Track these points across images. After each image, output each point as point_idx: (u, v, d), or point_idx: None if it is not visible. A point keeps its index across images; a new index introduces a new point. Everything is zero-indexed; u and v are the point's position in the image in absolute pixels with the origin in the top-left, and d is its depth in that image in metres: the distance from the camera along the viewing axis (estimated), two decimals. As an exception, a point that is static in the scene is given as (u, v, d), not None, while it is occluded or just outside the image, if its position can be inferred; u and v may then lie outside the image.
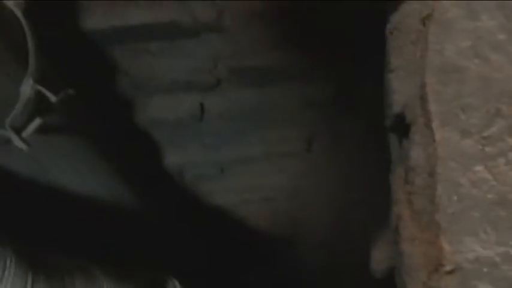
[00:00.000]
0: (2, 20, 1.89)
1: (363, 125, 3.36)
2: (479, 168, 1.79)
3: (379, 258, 2.83)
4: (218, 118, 3.42)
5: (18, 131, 1.96)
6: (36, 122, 1.97)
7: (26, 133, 1.96)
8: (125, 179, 3.00)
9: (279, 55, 3.04)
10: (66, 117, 2.27)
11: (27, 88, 1.95)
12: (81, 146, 2.55)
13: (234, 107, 3.36)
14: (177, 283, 2.91)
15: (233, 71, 3.05)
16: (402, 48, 2.04)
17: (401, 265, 2.39)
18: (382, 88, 2.28)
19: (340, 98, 3.41)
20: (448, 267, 1.84)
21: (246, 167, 3.96)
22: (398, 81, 2.11)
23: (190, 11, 2.63)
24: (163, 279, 2.86)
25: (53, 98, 1.98)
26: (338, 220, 4.03)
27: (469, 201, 1.81)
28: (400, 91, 2.09)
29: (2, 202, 2.17)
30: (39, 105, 2.01)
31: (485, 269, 1.79)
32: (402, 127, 2.12)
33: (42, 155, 2.27)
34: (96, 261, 2.44)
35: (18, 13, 1.99)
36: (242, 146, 3.74)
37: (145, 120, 3.32)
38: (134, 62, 2.89)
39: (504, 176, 1.69)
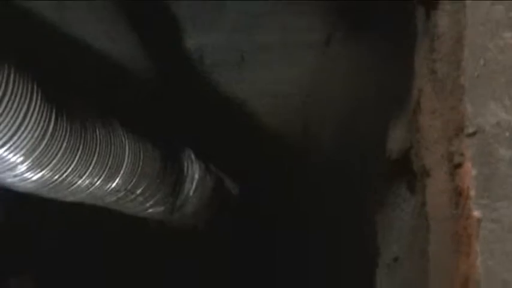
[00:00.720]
0: None
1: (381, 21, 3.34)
2: (507, 34, 1.79)
3: (396, 137, 2.86)
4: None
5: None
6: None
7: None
8: (149, 52, 3.00)
9: None
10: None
11: None
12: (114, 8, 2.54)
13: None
14: (191, 153, 2.94)
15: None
16: None
17: (420, 140, 2.42)
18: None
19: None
20: (470, 129, 1.86)
21: (265, 56, 3.95)
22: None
23: None
24: (179, 147, 2.89)
25: None
26: (352, 118, 4.03)
27: (496, 66, 1.82)
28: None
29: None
30: None
31: (507, 134, 1.81)
32: (431, -2, 2.13)
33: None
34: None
35: None
36: (263, 33, 3.72)
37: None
38: None
39: (532, 44, 1.70)
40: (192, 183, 2.90)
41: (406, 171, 2.74)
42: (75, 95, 2.23)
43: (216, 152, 3.67)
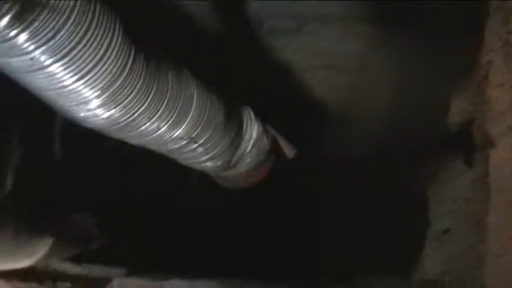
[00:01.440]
0: None
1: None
2: None
3: (458, 110, 2.86)
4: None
5: None
6: None
7: None
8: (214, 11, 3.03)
9: None
10: None
11: None
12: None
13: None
14: (251, 111, 2.96)
15: None
16: None
17: (486, 111, 2.41)
18: None
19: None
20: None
21: (322, 27, 3.95)
22: None
23: None
24: (240, 104, 2.91)
25: None
26: (407, 92, 4.02)
27: None
28: None
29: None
30: None
31: None
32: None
33: None
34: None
35: None
36: (323, 4, 3.72)
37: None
38: None
39: None
40: (249, 141, 2.92)
41: (464, 145, 2.75)
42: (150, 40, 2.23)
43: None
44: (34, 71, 1.87)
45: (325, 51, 4.14)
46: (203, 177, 3.55)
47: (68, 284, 2.04)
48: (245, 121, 2.88)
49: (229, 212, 3.83)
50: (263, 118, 3.14)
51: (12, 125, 2.51)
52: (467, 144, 2.65)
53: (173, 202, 4.05)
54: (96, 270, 2.17)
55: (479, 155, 2.44)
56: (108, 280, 2.05)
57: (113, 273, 2.12)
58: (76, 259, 2.22)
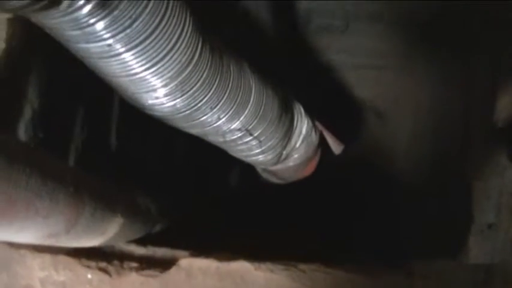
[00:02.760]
0: None
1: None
2: None
3: (504, 105, 2.92)
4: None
5: None
6: None
7: None
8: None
9: None
10: None
11: None
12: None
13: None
14: (301, 107, 3.03)
15: None
16: None
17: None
18: None
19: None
20: None
21: (370, 27, 4.02)
22: None
23: None
24: (291, 99, 2.99)
25: None
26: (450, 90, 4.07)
27: None
28: None
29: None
30: None
31: None
32: None
33: None
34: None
35: None
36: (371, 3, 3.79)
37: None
38: None
39: None
40: (299, 136, 2.97)
41: (510, 140, 2.81)
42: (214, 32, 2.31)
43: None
44: (109, 57, 1.95)
45: (371, 49, 4.19)
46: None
47: (135, 264, 2.11)
48: (296, 116, 2.95)
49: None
50: (311, 114, 3.21)
51: (76, 109, 2.60)
52: (512, 139, 2.71)
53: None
54: (161, 252, 2.24)
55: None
56: (174, 260, 2.12)
57: (177, 254, 2.19)
58: (141, 241, 2.29)
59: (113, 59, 1.94)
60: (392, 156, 4.97)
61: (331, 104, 4.36)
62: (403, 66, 4.19)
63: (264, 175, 3.35)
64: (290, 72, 3.95)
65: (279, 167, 3.09)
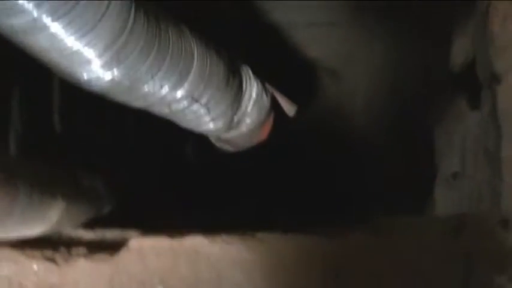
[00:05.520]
0: None
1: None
2: None
3: (459, 49, 2.84)
4: None
5: None
6: None
7: None
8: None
9: None
10: None
11: None
12: None
13: None
14: (249, 69, 2.93)
15: None
16: None
17: (489, 48, 2.39)
18: None
19: None
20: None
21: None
22: None
23: None
24: (238, 62, 2.88)
25: None
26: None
27: None
28: None
29: None
30: None
31: None
32: None
33: None
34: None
35: None
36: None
37: None
38: None
39: None
40: (249, 100, 2.89)
41: (468, 85, 2.73)
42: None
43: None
44: (36, 32, 1.81)
45: (320, 6, 4.09)
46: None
47: (83, 250, 2.01)
48: (244, 80, 2.86)
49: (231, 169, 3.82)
50: (261, 77, 3.11)
51: (12, 88, 2.47)
52: (472, 83, 2.63)
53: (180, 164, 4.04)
54: (111, 234, 2.13)
55: (485, 93, 2.42)
56: (124, 241, 2.02)
57: (128, 235, 2.08)
58: (89, 225, 2.18)
59: (40, 34, 1.80)
60: (350, 115, 4.90)
61: (283, 65, 4.26)
62: (354, 20, 4.08)
63: (218, 144, 3.25)
64: (238, 35, 3.82)
65: (232, 134, 3.01)
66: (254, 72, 2.98)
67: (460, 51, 2.76)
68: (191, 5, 3.10)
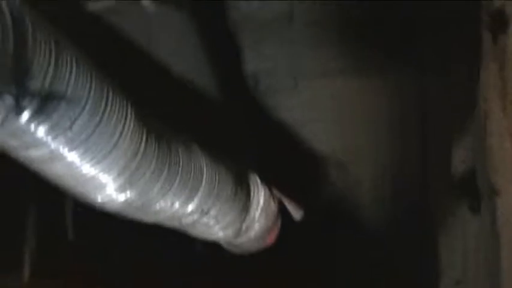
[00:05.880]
0: None
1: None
2: None
3: (460, 158, 2.92)
4: (304, 26, 3.48)
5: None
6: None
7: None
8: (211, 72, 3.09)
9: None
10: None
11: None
12: (183, 27, 2.62)
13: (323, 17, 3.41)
14: (257, 177, 3.01)
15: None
16: None
17: (488, 160, 2.47)
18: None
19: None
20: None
21: (320, 81, 4.02)
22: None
23: None
24: (246, 170, 2.96)
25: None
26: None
27: None
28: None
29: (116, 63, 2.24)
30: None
31: None
32: (500, 22, 2.19)
33: (154, 25, 2.34)
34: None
35: None
36: (321, 59, 3.80)
37: (235, 19, 3.40)
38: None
39: None
40: (257, 208, 2.95)
41: (470, 192, 2.80)
42: (157, 117, 2.29)
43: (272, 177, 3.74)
44: (52, 161, 1.88)
45: (323, 105, 4.18)
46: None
47: None
48: (252, 188, 2.93)
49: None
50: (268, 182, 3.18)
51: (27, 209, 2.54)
52: (473, 192, 2.70)
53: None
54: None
55: (485, 203, 2.48)
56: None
57: None
58: None
59: (56, 161, 1.87)
60: (357, 205, 4.95)
61: (288, 162, 4.32)
62: (360, 116, 4.17)
63: (230, 249, 3.31)
64: (243, 135, 3.90)
65: (241, 240, 3.06)
66: (261, 178, 3.03)
67: (461, 159, 2.84)
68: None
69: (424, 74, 3.61)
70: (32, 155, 1.86)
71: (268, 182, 3.11)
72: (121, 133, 1.99)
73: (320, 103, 4.09)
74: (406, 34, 3.45)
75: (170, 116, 2.58)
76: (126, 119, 2.00)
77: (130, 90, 2.17)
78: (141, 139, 2.08)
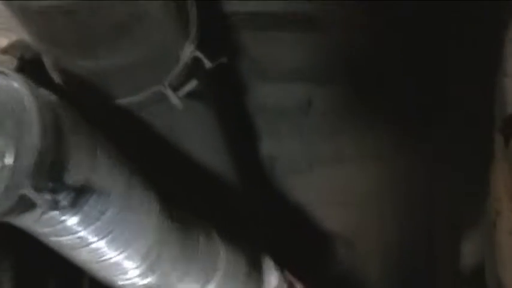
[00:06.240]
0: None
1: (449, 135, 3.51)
2: None
3: (469, 252, 3.00)
4: (321, 114, 3.60)
5: (174, 89, 2.16)
6: (192, 83, 2.18)
7: (181, 92, 2.17)
8: (228, 158, 3.20)
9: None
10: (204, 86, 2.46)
11: (187, 52, 2.16)
12: (205, 118, 2.75)
13: (340, 105, 3.54)
14: (270, 260, 3.10)
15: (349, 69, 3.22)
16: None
17: (497, 257, 2.56)
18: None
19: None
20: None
21: (335, 167, 4.13)
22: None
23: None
24: (259, 253, 3.06)
25: (208, 64, 2.17)
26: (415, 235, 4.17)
27: None
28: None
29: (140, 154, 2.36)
30: (195, 69, 2.21)
31: None
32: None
33: (179, 118, 2.46)
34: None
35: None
36: (336, 145, 3.91)
37: (252, 106, 3.53)
38: (260, 49, 3.08)
39: None
40: (269, 291, 3.04)
41: (478, 286, 2.88)
42: (177, 201, 2.39)
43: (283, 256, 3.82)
44: (80, 247, 1.99)
45: (338, 188, 4.28)
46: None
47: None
48: (264, 270, 3.02)
49: None
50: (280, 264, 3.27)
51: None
52: (481, 286, 2.78)
53: None
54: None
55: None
56: None
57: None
58: None
59: (84, 248, 1.97)
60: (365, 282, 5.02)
61: (299, 240, 4.41)
62: (370, 202, 4.26)
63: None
64: (258, 217, 4.00)
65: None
66: (274, 260, 3.12)
67: (470, 253, 2.91)
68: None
69: (436, 163, 3.69)
70: (61, 242, 1.96)
71: (281, 265, 3.18)
72: (146, 222, 2.09)
73: (333, 187, 4.16)
74: (420, 125, 3.53)
75: (190, 200, 2.68)
76: (151, 209, 2.12)
77: (154, 178, 2.28)
78: (164, 228, 2.17)
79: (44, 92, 1.79)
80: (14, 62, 2.31)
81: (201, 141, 2.72)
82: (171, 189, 2.46)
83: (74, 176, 1.80)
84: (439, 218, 3.59)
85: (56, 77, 2.14)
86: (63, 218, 1.88)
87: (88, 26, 1.80)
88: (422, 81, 3.26)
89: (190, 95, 2.27)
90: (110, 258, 2.07)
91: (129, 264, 2.13)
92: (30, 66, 2.30)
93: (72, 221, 1.90)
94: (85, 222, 1.92)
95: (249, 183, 3.64)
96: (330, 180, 4.19)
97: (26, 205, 1.69)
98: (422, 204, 3.99)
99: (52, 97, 1.83)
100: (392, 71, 3.23)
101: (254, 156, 3.91)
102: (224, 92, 3.09)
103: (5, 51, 2.31)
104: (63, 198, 1.80)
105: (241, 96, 3.40)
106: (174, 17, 2.10)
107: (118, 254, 2.07)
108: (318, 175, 4.12)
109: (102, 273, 2.15)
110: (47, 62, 2.15)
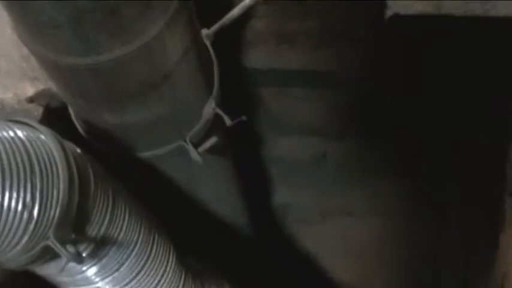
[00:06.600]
0: (198, 47, 2.16)
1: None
2: None
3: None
4: (336, 166, 3.66)
5: (195, 145, 2.22)
6: (212, 140, 2.23)
7: (202, 148, 2.23)
8: (243, 207, 3.27)
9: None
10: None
11: (209, 109, 2.22)
12: (222, 170, 2.81)
13: (354, 159, 3.60)
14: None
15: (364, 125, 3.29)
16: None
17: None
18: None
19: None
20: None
21: (346, 219, 4.19)
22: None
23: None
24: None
25: (228, 122, 2.23)
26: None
27: None
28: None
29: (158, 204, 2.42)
30: (215, 125, 2.27)
31: None
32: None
33: (198, 170, 2.52)
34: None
35: (208, 43, 2.27)
36: (348, 199, 3.97)
37: (268, 157, 3.60)
38: (277, 104, 3.15)
39: None
40: None
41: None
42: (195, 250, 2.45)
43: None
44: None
45: (346, 238, 4.33)
46: None
47: None
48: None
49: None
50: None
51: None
52: None
53: None
54: None
55: None
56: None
57: None
58: None
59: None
60: None
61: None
62: (377, 254, 4.31)
63: None
64: (270, 262, 4.04)
65: None
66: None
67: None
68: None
69: (444, 225, 3.74)
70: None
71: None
72: (163, 274, 2.15)
73: (343, 238, 4.21)
74: (431, 185, 3.58)
75: (206, 249, 2.73)
76: (168, 261, 2.17)
77: (171, 227, 2.33)
78: (180, 280, 2.23)
79: (70, 145, 1.83)
80: (40, 111, 2.34)
81: (216, 191, 2.76)
82: (187, 237, 2.51)
83: (96, 228, 1.85)
84: (445, 278, 3.63)
85: (81, 128, 2.18)
86: (83, 268, 1.91)
87: (116, 83, 1.84)
88: (435, 144, 3.32)
89: (209, 149, 2.31)
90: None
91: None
92: (55, 115, 2.33)
93: (90, 271, 1.95)
94: (103, 274, 1.97)
95: (262, 230, 3.70)
96: (340, 232, 4.22)
97: (49, 256, 1.72)
98: (428, 261, 4.05)
99: (77, 150, 1.86)
100: (406, 132, 3.28)
101: (268, 204, 3.95)
102: (242, 144, 3.15)
103: (32, 100, 2.35)
104: (84, 249, 1.83)
105: (258, 147, 3.46)
106: (200, 76, 2.13)
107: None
108: (329, 226, 4.15)
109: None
110: (72, 112, 2.19)
